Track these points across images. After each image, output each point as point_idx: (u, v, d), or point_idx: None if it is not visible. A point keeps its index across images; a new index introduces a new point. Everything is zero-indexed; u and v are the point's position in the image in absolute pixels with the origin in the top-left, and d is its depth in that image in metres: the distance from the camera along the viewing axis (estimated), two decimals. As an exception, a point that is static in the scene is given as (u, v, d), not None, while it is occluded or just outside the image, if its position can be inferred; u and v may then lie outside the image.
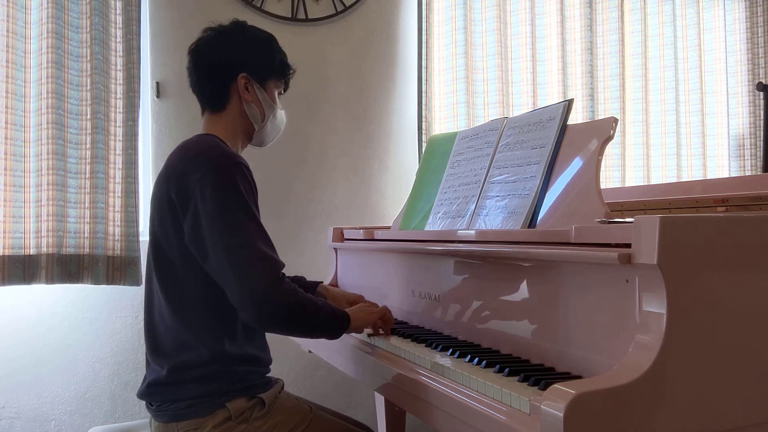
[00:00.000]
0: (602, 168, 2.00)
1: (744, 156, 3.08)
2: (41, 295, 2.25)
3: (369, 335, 1.53)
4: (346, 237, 2.05)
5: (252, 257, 1.28)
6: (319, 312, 1.35)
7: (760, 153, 2.97)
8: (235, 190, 1.31)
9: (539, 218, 1.34)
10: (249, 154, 1.50)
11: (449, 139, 1.78)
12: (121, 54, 2.28)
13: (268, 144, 1.60)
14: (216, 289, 1.32)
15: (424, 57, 2.67)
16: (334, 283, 2.05)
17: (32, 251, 2.16)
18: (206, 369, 1.34)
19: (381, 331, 1.53)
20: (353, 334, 1.56)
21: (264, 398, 1.37)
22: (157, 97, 2.40)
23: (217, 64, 1.49)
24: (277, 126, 1.58)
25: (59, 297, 2.28)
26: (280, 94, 1.58)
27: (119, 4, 2.28)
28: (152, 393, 1.39)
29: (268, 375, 1.45)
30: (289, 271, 1.38)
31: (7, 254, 2.12)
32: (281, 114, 1.58)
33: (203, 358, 1.34)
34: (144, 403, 1.42)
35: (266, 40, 1.55)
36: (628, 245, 0.96)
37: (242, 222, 1.31)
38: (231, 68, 1.48)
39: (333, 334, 1.42)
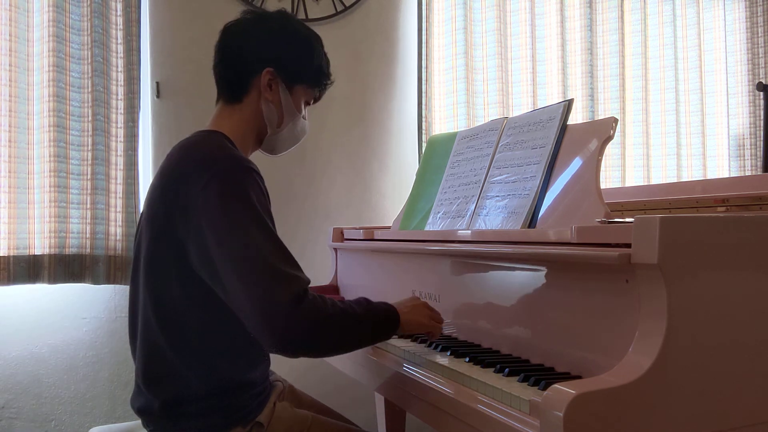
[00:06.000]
0: (602, 168, 2.00)
1: (744, 156, 3.08)
2: (41, 295, 2.25)
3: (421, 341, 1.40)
4: (346, 237, 2.05)
5: (268, 278, 1.10)
6: (361, 321, 1.19)
7: (760, 153, 2.97)
8: (246, 200, 1.14)
9: (539, 218, 1.34)
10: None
11: (449, 139, 1.78)
12: (121, 55, 2.28)
13: (280, 153, 1.44)
14: (212, 314, 1.20)
15: (424, 57, 2.67)
16: (334, 284, 2.05)
17: (36, 251, 2.17)
18: (201, 404, 1.22)
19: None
20: None
21: (262, 421, 1.28)
22: (157, 97, 2.40)
23: (243, 50, 1.33)
24: (296, 136, 1.42)
25: (59, 297, 2.28)
26: (308, 103, 1.42)
27: (119, 6, 2.29)
28: (145, 418, 1.29)
29: (264, 385, 1.33)
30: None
31: (12, 254, 2.13)
32: (304, 124, 1.42)
33: (197, 392, 1.22)
34: None
35: (307, 38, 1.38)
36: (628, 245, 0.96)
37: (255, 237, 1.13)
38: (257, 59, 1.32)
39: (384, 337, 1.28)
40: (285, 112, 1.36)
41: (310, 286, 1.15)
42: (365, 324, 1.20)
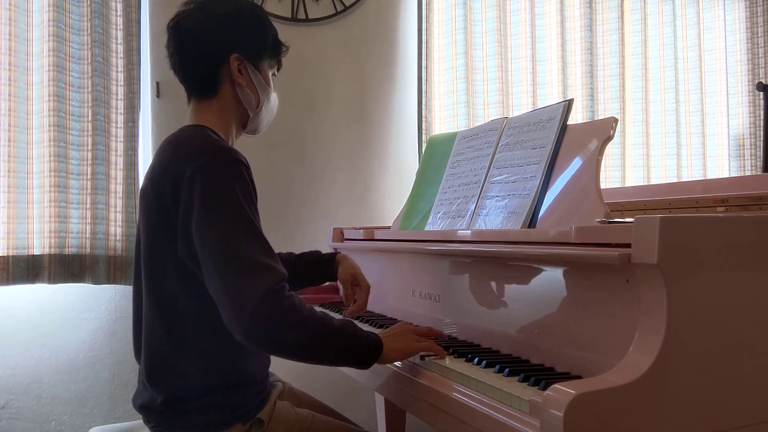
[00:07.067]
0: (602, 168, 2.00)
1: (744, 156, 3.08)
2: (41, 295, 2.25)
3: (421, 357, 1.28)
4: (346, 237, 2.05)
5: (242, 267, 1.11)
6: (335, 336, 1.15)
7: (760, 153, 2.97)
8: (228, 191, 1.16)
9: (539, 218, 1.34)
10: (248, 154, 1.40)
11: (449, 139, 1.78)
12: (121, 55, 2.29)
13: (262, 131, 1.46)
14: (212, 311, 1.17)
15: (424, 57, 2.67)
16: (334, 284, 2.05)
17: (36, 251, 2.17)
18: (202, 401, 1.23)
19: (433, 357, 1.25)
20: None
21: (262, 417, 1.28)
22: (157, 97, 2.40)
23: (204, 44, 1.32)
24: (271, 110, 1.44)
25: (59, 297, 2.28)
26: (273, 75, 1.43)
27: (119, 6, 2.29)
28: (146, 414, 1.30)
29: (264, 383, 1.34)
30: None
31: (11, 254, 2.13)
32: (274, 97, 1.44)
33: (198, 389, 1.23)
34: None
35: (257, 14, 1.39)
36: (628, 245, 0.96)
37: (233, 228, 1.14)
38: (221, 49, 1.32)
39: (357, 364, 1.21)
40: (259, 91, 1.37)
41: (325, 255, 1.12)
42: (340, 339, 1.16)
